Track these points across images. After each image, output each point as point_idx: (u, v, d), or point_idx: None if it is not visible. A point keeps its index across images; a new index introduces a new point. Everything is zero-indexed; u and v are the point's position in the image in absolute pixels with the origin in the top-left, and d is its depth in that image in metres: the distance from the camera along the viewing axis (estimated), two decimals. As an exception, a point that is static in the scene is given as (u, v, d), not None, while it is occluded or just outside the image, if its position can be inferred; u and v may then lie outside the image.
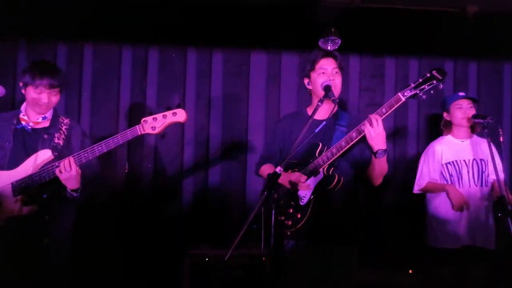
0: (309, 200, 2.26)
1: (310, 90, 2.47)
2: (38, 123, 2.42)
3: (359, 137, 2.16)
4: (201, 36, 3.62)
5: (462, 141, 3.04)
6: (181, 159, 3.62)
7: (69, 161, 2.22)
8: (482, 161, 2.95)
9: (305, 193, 2.28)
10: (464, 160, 2.97)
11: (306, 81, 2.47)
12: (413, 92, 2.07)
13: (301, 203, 2.27)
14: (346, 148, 2.19)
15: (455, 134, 3.06)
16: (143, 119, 2.24)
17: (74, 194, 2.29)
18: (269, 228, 2.04)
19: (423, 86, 2.06)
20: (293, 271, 2.32)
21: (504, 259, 2.81)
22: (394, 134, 3.78)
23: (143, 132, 2.23)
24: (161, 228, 3.52)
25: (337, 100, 2.29)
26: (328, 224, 2.30)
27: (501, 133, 2.68)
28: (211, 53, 3.68)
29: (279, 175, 1.98)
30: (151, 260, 3.45)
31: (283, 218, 2.29)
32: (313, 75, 2.40)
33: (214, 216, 3.58)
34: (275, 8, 3.48)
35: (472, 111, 2.97)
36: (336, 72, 2.39)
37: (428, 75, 2.07)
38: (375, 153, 2.14)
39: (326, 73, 2.36)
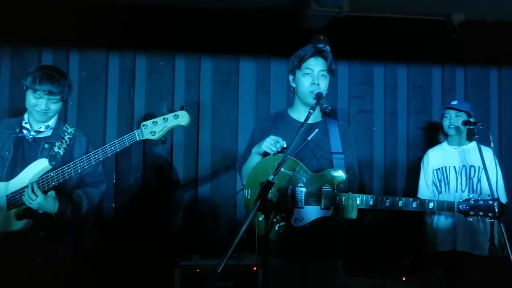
0: (304, 226, 2.09)
1: (294, 88, 2.27)
2: (40, 132, 2.24)
3: None
4: (189, 43, 3.59)
5: (455, 148, 3.06)
6: (170, 168, 3.56)
7: (32, 188, 2.05)
8: (472, 167, 2.96)
9: (302, 217, 2.09)
10: (454, 167, 3.00)
11: (291, 77, 2.27)
12: None
13: (295, 225, 2.08)
14: None
15: (449, 140, 3.12)
16: (142, 124, 2.06)
17: (55, 218, 2.13)
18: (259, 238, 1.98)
19: None
20: None
21: (496, 265, 2.81)
22: (385, 141, 3.80)
23: (141, 138, 2.04)
24: (150, 238, 3.44)
25: (330, 108, 2.10)
26: (312, 242, 2.13)
27: (491, 138, 2.69)
28: (199, 61, 3.65)
29: (272, 183, 1.93)
30: (141, 271, 3.36)
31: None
32: (298, 73, 2.19)
33: (205, 226, 3.53)
34: (264, 15, 3.47)
35: (459, 120, 2.99)
36: (323, 75, 2.17)
37: None
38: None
39: (311, 74, 2.16)
